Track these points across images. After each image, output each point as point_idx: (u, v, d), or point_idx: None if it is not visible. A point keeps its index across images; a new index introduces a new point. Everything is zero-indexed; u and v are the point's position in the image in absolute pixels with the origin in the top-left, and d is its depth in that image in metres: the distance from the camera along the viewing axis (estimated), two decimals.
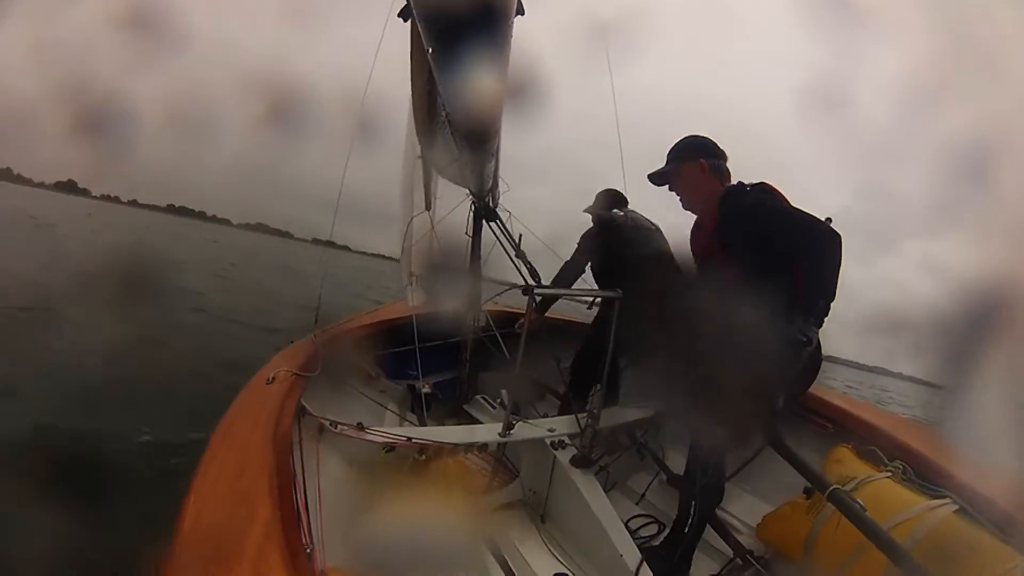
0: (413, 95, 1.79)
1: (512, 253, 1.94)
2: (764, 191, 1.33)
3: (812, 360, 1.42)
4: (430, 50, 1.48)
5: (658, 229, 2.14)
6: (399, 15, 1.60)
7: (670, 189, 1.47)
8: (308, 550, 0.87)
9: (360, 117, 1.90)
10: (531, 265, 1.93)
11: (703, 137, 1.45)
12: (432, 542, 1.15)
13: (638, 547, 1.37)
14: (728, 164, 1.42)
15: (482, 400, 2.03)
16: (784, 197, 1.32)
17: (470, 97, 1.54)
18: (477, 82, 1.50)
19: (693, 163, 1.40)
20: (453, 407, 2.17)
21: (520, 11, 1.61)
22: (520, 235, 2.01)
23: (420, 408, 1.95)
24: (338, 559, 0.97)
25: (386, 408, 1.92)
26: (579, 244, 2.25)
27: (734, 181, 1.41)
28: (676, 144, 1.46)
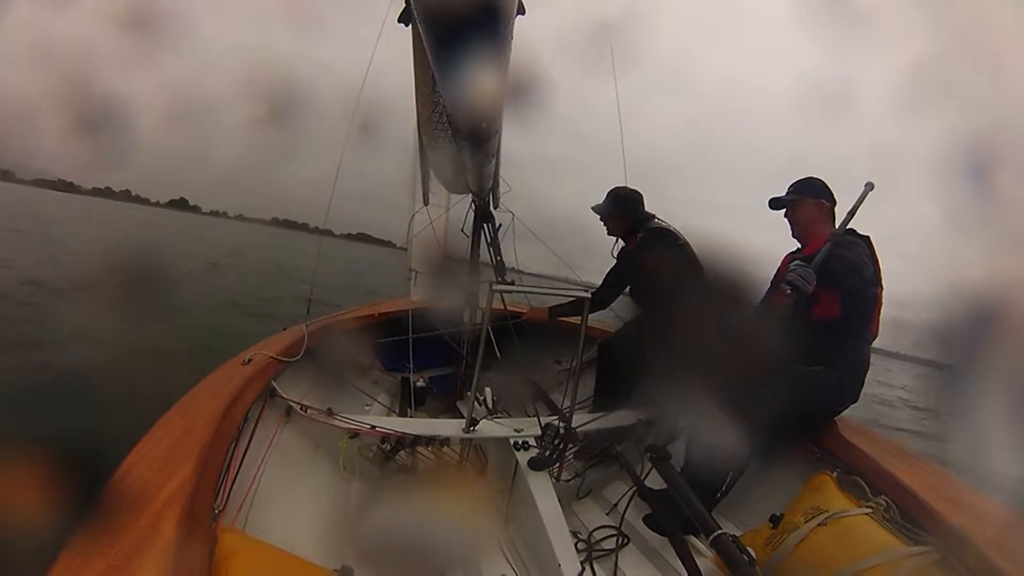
0: (416, 97, 1.86)
1: (493, 255, 1.95)
2: (864, 245, 1.47)
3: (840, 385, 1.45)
4: (430, 51, 1.54)
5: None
6: (399, 20, 1.68)
7: (785, 215, 1.65)
8: (216, 511, 0.95)
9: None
10: (501, 260, 1.92)
11: (824, 182, 1.62)
12: (374, 532, 1.18)
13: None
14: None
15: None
16: (875, 254, 1.48)
17: (470, 98, 1.57)
18: (477, 83, 1.53)
19: (817, 201, 1.59)
20: (447, 402, 2.21)
21: (521, 11, 1.63)
22: (499, 226, 2.01)
23: (408, 400, 2.01)
24: (257, 528, 1.04)
25: (375, 399, 2.00)
26: (621, 266, 2.09)
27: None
28: (802, 180, 1.64)
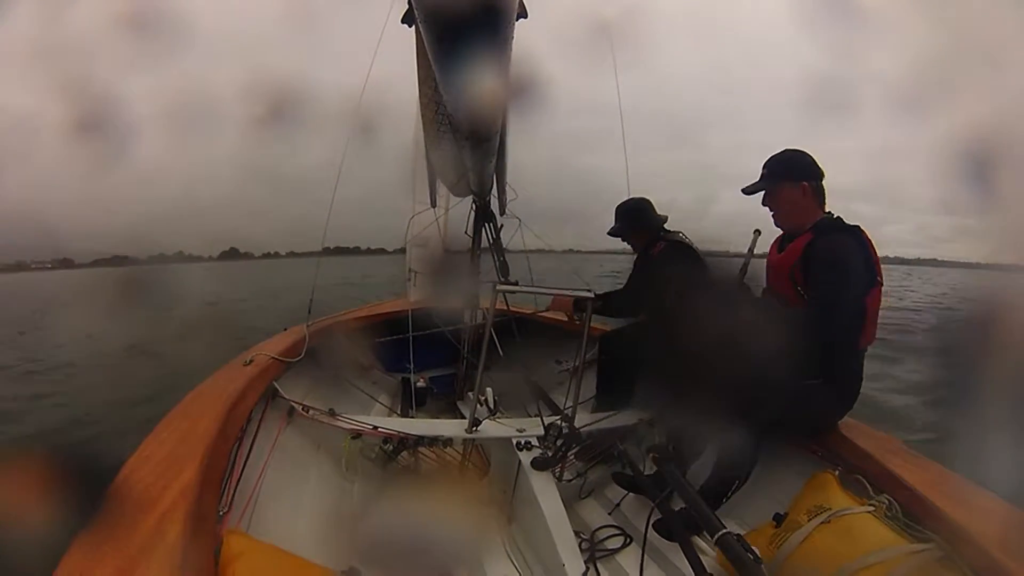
0: (420, 97, 1.86)
1: (495, 255, 1.95)
2: (860, 235, 1.33)
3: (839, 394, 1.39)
4: (430, 51, 1.54)
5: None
6: (402, 21, 1.68)
7: (764, 203, 1.46)
8: (221, 513, 0.94)
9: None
10: (504, 260, 1.92)
11: (804, 154, 1.41)
12: (374, 532, 1.18)
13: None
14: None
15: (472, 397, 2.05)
16: (872, 245, 1.34)
17: (470, 97, 1.58)
18: (476, 83, 1.54)
19: (795, 185, 1.37)
20: (448, 403, 2.21)
21: (523, 14, 1.63)
22: (500, 226, 2.01)
23: (410, 401, 2.01)
24: (261, 529, 1.04)
25: (376, 400, 2.00)
26: (644, 272, 2.01)
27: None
28: (777, 158, 1.42)
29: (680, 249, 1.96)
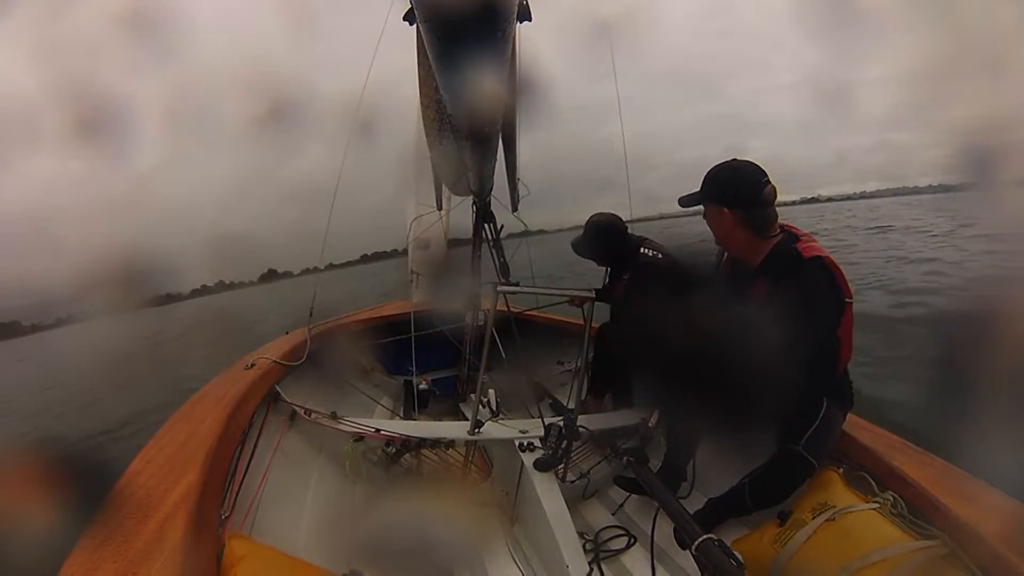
0: (420, 98, 1.87)
1: (496, 255, 1.95)
2: (823, 268, 1.15)
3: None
4: (430, 49, 1.54)
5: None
6: (404, 19, 1.68)
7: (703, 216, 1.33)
8: (223, 516, 0.94)
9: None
10: (504, 262, 1.92)
11: (743, 174, 1.22)
12: (376, 535, 1.18)
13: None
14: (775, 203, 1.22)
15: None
16: (837, 269, 1.16)
17: (468, 96, 1.58)
18: (475, 83, 1.54)
19: (718, 209, 1.23)
20: (450, 404, 2.21)
21: (527, 18, 1.62)
22: (502, 226, 2.01)
23: (412, 403, 2.01)
24: (263, 533, 1.03)
25: (378, 402, 2.00)
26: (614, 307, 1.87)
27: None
28: (710, 173, 1.26)
29: (647, 277, 1.79)
